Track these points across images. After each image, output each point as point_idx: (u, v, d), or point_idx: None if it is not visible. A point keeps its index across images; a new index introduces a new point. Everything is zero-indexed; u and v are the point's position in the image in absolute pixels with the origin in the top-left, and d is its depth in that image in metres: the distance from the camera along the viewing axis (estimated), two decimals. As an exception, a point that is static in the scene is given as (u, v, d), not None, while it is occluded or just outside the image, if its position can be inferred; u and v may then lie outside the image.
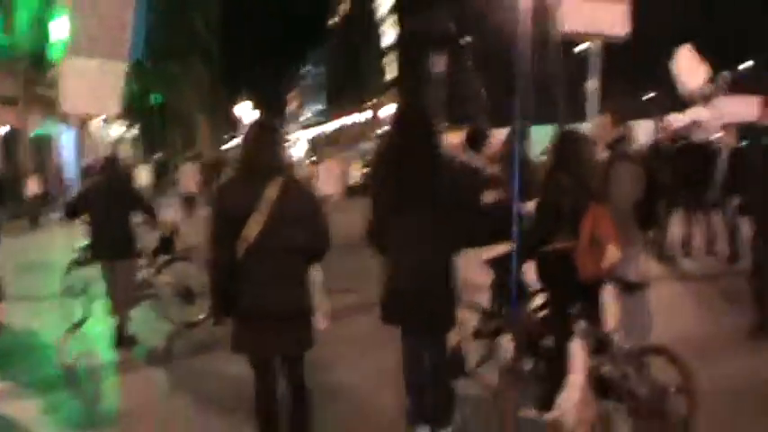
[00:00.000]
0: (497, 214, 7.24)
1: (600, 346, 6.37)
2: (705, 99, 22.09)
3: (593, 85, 10.10)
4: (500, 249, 7.29)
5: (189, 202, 28.00)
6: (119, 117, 46.64)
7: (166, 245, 11.10)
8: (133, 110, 50.87)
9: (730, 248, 13.56)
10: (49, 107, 36.07)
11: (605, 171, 7.14)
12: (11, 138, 34.95)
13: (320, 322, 5.68)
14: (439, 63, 18.48)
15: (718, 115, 21.34)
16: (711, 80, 22.73)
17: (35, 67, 34.43)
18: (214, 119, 77.86)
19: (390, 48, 78.33)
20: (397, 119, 6.04)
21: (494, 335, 7.77)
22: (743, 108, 22.02)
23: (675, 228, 14.49)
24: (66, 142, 37.45)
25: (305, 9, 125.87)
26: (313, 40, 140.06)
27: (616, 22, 10.18)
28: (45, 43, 35.21)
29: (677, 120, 19.37)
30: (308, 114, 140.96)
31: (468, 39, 18.78)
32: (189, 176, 28.92)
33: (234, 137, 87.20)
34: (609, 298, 6.79)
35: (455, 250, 5.96)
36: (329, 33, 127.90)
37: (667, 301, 10.70)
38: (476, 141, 7.90)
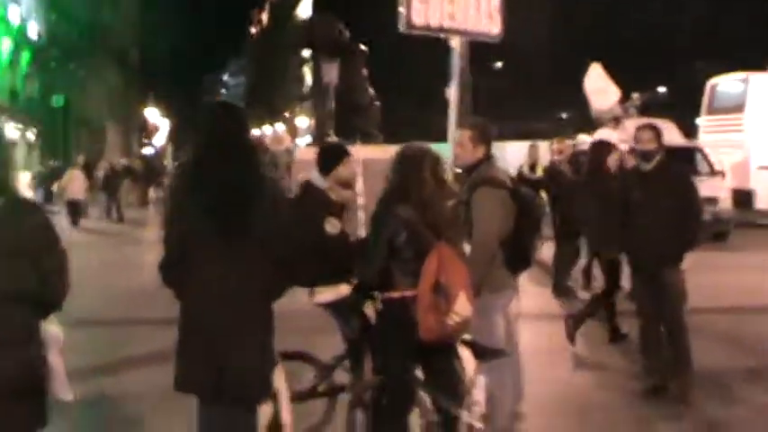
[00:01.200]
0: (336, 247, 5.87)
1: (446, 424, 5.01)
2: (615, 120, 21.21)
3: (453, 93, 8.69)
4: (340, 291, 5.89)
5: (74, 208, 26.21)
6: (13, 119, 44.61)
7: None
8: (31, 111, 48.65)
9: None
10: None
11: (463, 200, 5.80)
12: None
13: (62, 392, 4.13)
14: (329, 72, 17.05)
15: (627, 138, 20.41)
16: (623, 101, 21.93)
17: None
18: (125, 125, 75.24)
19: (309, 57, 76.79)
20: (204, 129, 4.52)
21: (332, 394, 6.36)
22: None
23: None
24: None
25: (226, 17, 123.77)
26: (233, 49, 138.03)
27: (483, 18, 8.74)
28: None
29: (583, 141, 18.34)
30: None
31: (364, 47, 17.39)
32: (75, 182, 26.94)
33: (148, 144, 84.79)
34: (465, 361, 5.44)
35: (273, 292, 4.44)
36: (250, 42, 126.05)
37: (556, 346, 9.45)
38: (326, 160, 6.35)
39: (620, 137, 20.29)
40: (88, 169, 30.33)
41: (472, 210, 5.70)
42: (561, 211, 12.81)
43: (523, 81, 44.87)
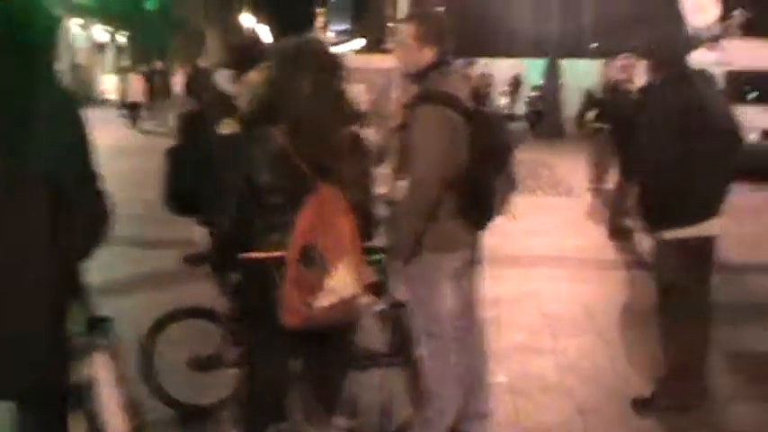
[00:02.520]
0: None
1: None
2: (713, 40, 18.98)
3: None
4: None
5: (133, 109, 26.84)
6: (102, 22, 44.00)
7: None
8: (123, 14, 48.01)
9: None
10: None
11: (402, 123, 4.20)
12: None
13: None
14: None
15: (725, 60, 18.26)
16: (723, 19, 19.73)
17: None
18: (224, 30, 74.07)
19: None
20: None
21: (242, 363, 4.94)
22: (758, 54, 18.96)
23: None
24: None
25: None
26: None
27: None
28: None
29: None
30: (331, 34, 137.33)
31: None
32: (133, 85, 26.90)
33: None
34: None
35: (68, 246, 2.95)
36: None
37: (583, 308, 7.80)
38: (238, 61, 4.87)
39: (719, 59, 18.25)
40: (164, 74, 29.40)
41: (410, 136, 4.11)
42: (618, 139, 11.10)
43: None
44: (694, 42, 20.47)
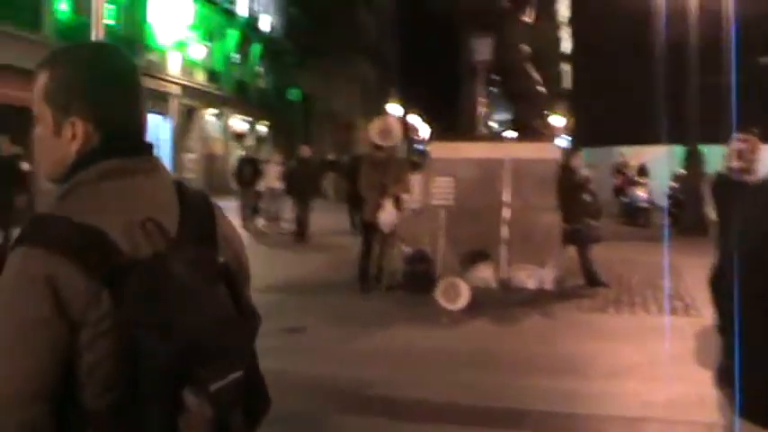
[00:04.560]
0: None
1: None
2: None
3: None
4: None
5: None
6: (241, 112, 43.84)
7: None
8: (264, 105, 48.14)
9: None
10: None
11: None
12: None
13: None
14: (482, 49, 13.31)
15: None
16: None
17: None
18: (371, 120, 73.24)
19: (567, 56, 72.44)
20: None
21: None
22: None
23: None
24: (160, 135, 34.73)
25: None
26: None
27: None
28: (139, 27, 32.29)
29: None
30: (494, 124, 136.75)
31: (528, 18, 13.24)
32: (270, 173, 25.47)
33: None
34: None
35: None
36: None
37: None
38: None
39: None
40: (306, 164, 26.29)
41: None
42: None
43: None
44: None
